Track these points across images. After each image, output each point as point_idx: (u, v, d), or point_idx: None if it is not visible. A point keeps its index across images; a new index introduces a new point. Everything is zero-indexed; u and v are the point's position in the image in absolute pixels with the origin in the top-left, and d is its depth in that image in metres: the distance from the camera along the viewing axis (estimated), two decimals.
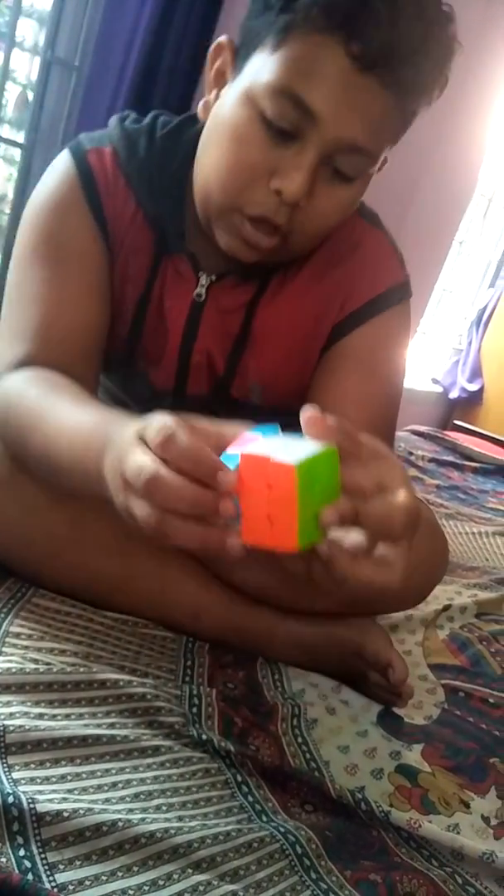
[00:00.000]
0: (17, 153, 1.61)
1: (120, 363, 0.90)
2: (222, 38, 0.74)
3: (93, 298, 0.80)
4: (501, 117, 2.73)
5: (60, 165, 0.81)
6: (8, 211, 1.72)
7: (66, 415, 0.65)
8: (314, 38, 0.63)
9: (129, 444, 0.49)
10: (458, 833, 0.67)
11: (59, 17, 1.50)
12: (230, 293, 0.82)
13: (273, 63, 0.66)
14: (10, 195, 1.71)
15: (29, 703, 0.61)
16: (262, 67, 0.67)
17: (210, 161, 0.73)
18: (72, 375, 0.75)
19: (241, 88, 0.69)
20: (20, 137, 1.58)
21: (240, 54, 0.71)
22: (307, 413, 0.47)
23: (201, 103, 0.76)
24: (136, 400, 0.93)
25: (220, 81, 0.74)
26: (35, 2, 1.52)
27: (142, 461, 0.46)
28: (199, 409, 0.84)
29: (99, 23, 1.45)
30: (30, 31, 1.56)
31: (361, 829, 0.63)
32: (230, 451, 0.47)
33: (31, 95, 1.64)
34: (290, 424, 0.80)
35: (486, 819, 0.71)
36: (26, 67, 1.59)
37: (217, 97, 0.74)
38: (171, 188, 0.79)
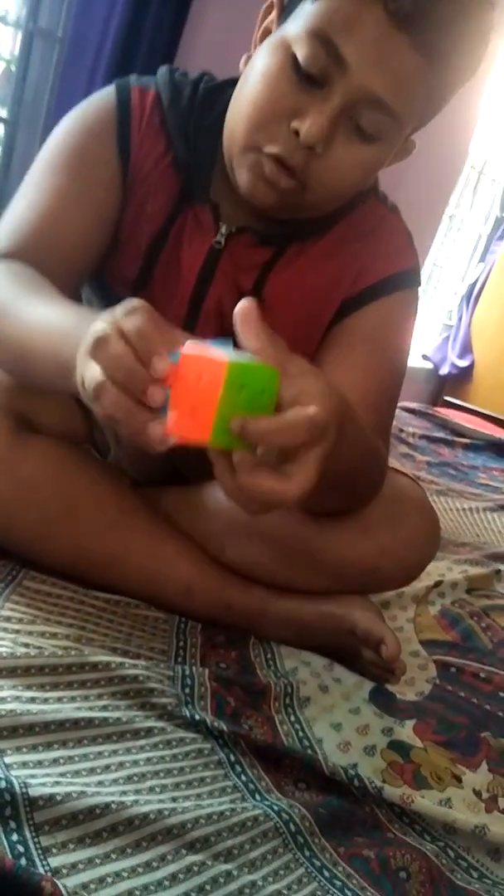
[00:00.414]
0: None
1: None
2: None
3: (92, 219, 0.81)
4: (492, 89, 2.70)
5: (103, 93, 0.83)
6: None
7: (44, 309, 0.67)
8: None
9: (98, 319, 0.52)
10: (450, 807, 0.68)
11: None
12: (247, 251, 0.83)
13: (313, 9, 0.68)
14: None
15: (20, 688, 0.61)
16: (302, 15, 0.69)
17: (239, 101, 0.75)
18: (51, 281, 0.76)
19: (278, 36, 0.72)
20: (3, 113, 1.54)
21: (287, 10, 0.73)
22: (242, 306, 0.49)
23: (244, 57, 0.78)
24: None
25: (264, 39, 0.76)
26: None
27: (100, 327, 0.50)
28: None
29: None
30: (13, 5, 1.52)
31: (354, 805, 0.64)
32: (180, 349, 0.49)
33: (12, 69, 1.61)
34: None
35: (477, 793, 0.71)
36: (10, 43, 1.56)
37: (257, 51, 0.76)
38: (205, 137, 0.81)
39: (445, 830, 0.65)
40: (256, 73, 0.72)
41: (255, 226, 0.82)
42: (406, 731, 0.77)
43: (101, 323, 0.51)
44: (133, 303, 0.52)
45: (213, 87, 0.83)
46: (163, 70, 0.84)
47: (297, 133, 0.69)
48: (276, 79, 0.70)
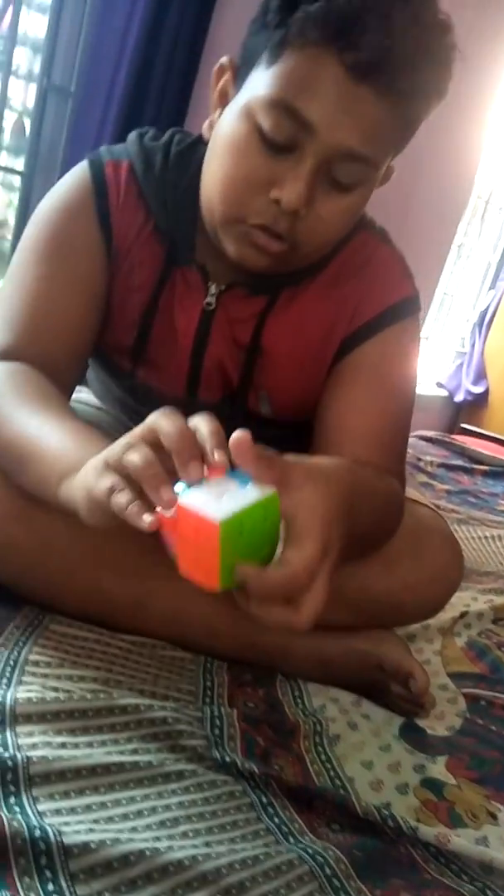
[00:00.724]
0: (15, 180, 1.62)
1: (124, 376, 0.90)
2: (224, 59, 0.76)
3: (85, 301, 0.82)
4: (496, 118, 2.74)
5: (77, 171, 0.84)
6: (9, 237, 1.73)
7: (40, 423, 0.69)
8: (308, 50, 0.65)
9: (90, 474, 0.56)
10: (486, 846, 0.67)
11: (54, 45, 1.52)
12: (240, 304, 0.83)
13: (269, 77, 0.67)
14: (11, 221, 1.72)
15: (51, 733, 0.61)
16: (260, 82, 0.68)
17: (212, 174, 0.75)
18: (53, 372, 0.77)
19: (240, 104, 0.71)
20: (17, 164, 1.59)
21: (240, 73, 0.73)
22: (235, 438, 0.51)
23: (206, 123, 0.78)
24: (149, 408, 0.93)
25: (224, 101, 0.76)
26: (29, 29, 1.54)
27: (128, 440, 0.54)
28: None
29: (87, 48, 1.47)
30: (24, 59, 1.57)
31: (389, 846, 0.63)
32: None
33: (27, 122, 1.66)
34: (300, 437, 0.81)
35: None
36: (21, 94, 1.61)
37: (220, 116, 0.75)
38: (182, 202, 0.81)
39: (483, 870, 0.64)
40: (225, 145, 0.72)
41: (244, 280, 0.82)
42: (438, 768, 0.75)
43: (125, 440, 0.54)
44: (133, 435, 0.54)
45: (184, 148, 0.83)
46: (132, 137, 0.84)
47: (277, 202, 0.69)
48: (246, 152, 0.70)
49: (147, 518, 0.50)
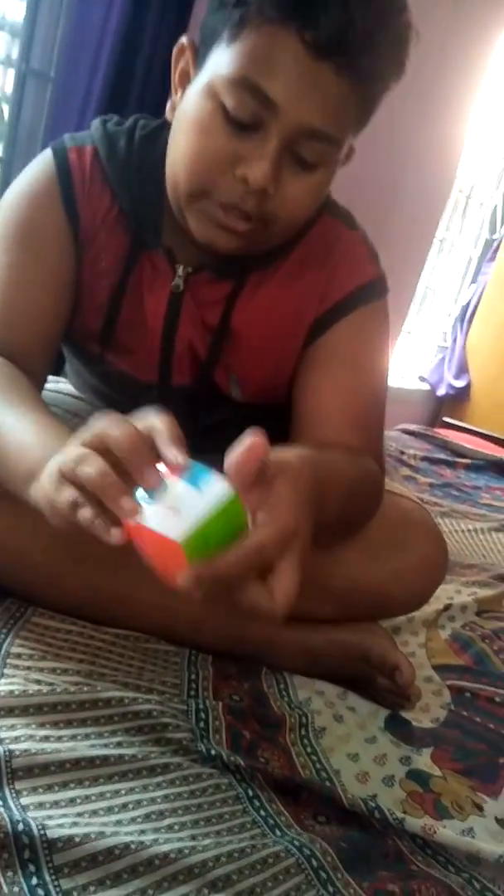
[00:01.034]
0: None
1: (95, 361, 0.89)
2: (183, 39, 0.75)
3: (54, 289, 0.81)
4: (478, 114, 2.75)
5: (41, 160, 0.83)
6: None
7: (11, 418, 0.68)
8: (268, 28, 0.64)
9: (48, 482, 0.55)
10: (472, 837, 0.67)
11: (33, 29, 1.49)
12: (208, 288, 0.83)
13: (230, 55, 0.67)
14: None
15: (34, 726, 0.60)
16: (221, 61, 0.68)
17: (177, 152, 0.74)
18: (23, 359, 0.78)
19: (202, 83, 0.70)
20: None
21: (200, 52, 0.72)
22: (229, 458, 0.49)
23: (169, 104, 0.77)
24: (124, 396, 0.91)
25: (185, 81, 0.75)
26: (6, 13, 1.51)
27: (79, 450, 0.53)
28: (185, 403, 0.85)
29: (66, 32, 1.44)
30: (2, 44, 1.54)
31: (376, 838, 0.63)
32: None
33: (5, 108, 1.63)
34: (269, 419, 0.81)
35: (500, 821, 0.70)
36: (2, 80, 1.58)
37: (182, 97, 0.74)
38: (146, 186, 0.80)
39: (469, 861, 0.64)
40: (189, 124, 0.71)
41: (211, 263, 0.81)
42: (424, 760, 0.75)
43: (76, 448, 0.53)
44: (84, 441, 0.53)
45: (148, 133, 0.82)
46: (96, 123, 0.84)
47: (244, 180, 0.69)
48: (210, 130, 0.69)
49: (115, 533, 0.50)
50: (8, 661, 0.68)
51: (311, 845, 0.57)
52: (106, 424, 0.53)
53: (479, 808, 0.71)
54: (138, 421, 0.53)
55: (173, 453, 0.50)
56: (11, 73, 1.55)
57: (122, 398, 0.91)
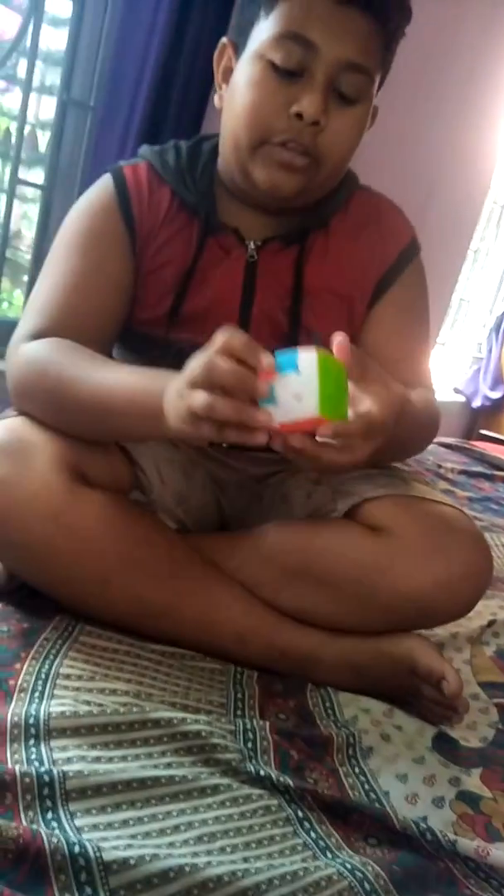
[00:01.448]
0: (28, 191, 1.63)
1: (163, 345, 0.92)
2: (223, 39, 0.88)
3: (110, 291, 0.89)
4: None
5: (100, 180, 0.93)
6: (23, 248, 1.75)
7: (111, 372, 0.77)
8: None
9: (192, 362, 0.64)
10: None
11: (74, 58, 1.52)
12: (276, 257, 0.91)
13: (271, 21, 0.80)
14: (24, 232, 1.73)
15: (85, 747, 0.61)
16: (263, 30, 0.81)
17: (234, 115, 0.84)
18: None
19: (248, 54, 0.83)
20: (28, 175, 1.60)
21: (239, 43, 0.85)
22: (337, 338, 0.65)
23: (216, 96, 0.89)
24: None
25: (228, 76, 0.87)
26: (48, 43, 1.55)
27: (204, 358, 0.63)
28: None
29: (108, 62, 1.47)
30: (38, 71, 1.58)
31: (428, 861, 0.62)
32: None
33: (40, 135, 1.67)
34: None
35: None
36: (34, 107, 1.61)
37: (228, 86, 0.86)
38: (201, 181, 0.90)
39: None
40: (243, 87, 0.83)
41: (276, 233, 0.91)
42: (473, 781, 0.74)
43: (201, 358, 0.63)
44: (219, 338, 0.63)
45: (192, 143, 0.94)
46: (144, 147, 0.95)
47: (298, 116, 0.80)
48: (263, 83, 0.81)
49: (259, 436, 0.62)
50: (58, 681, 0.69)
51: (364, 868, 0.57)
52: (228, 336, 0.63)
53: None
54: (221, 341, 0.63)
55: (264, 361, 0.62)
56: (45, 100, 1.59)
57: None
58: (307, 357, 0.60)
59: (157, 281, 0.91)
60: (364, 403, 0.66)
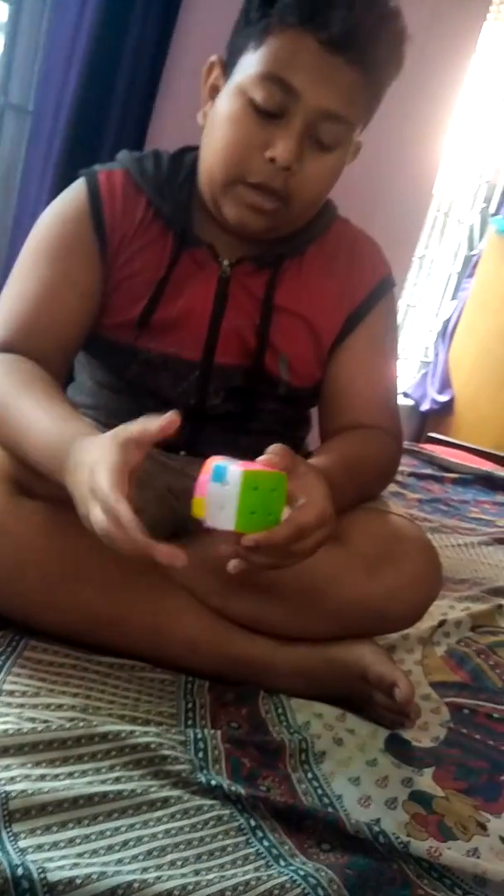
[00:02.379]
0: None
1: (131, 353, 0.92)
2: (213, 57, 0.88)
3: (76, 301, 0.88)
4: (453, 133, 2.79)
5: (74, 184, 0.92)
6: None
7: (34, 416, 0.76)
8: (289, 32, 0.78)
9: (87, 498, 0.64)
10: (478, 858, 0.66)
11: (11, 63, 1.50)
12: (249, 278, 0.92)
13: (258, 57, 0.79)
14: None
15: (29, 765, 0.59)
16: (249, 64, 0.80)
17: (212, 147, 0.85)
18: (43, 366, 0.83)
19: (232, 86, 0.82)
20: None
21: (229, 64, 0.84)
22: (272, 449, 0.66)
23: (200, 113, 0.89)
24: (164, 381, 0.94)
25: (214, 93, 0.87)
26: None
27: (100, 522, 0.63)
28: (225, 387, 0.93)
29: (41, 68, 1.45)
30: None
31: (381, 863, 0.62)
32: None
33: None
34: (302, 414, 1.04)
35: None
36: None
37: (212, 106, 0.86)
38: (181, 193, 0.90)
39: (476, 882, 0.63)
40: (223, 120, 0.82)
41: (250, 254, 0.91)
42: (426, 781, 0.75)
43: (98, 515, 0.63)
44: (105, 490, 0.62)
45: (174, 154, 0.93)
46: (123, 153, 0.94)
47: (272, 160, 0.80)
48: (242, 121, 0.81)
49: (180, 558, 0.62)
50: (1, 699, 0.67)
51: (317, 874, 0.56)
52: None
53: (483, 827, 0.70)
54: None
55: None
56: None
57: (160, 385, 0.94)
58: (234, 472, 0.62)
59: (129, 288, 0.91)
60: (302, 490, 0.67)
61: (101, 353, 0.96)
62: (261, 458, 0.65)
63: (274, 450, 0.65)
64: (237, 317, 0.91)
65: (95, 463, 0.64)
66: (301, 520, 0.65)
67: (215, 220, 0.90)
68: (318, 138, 0.81)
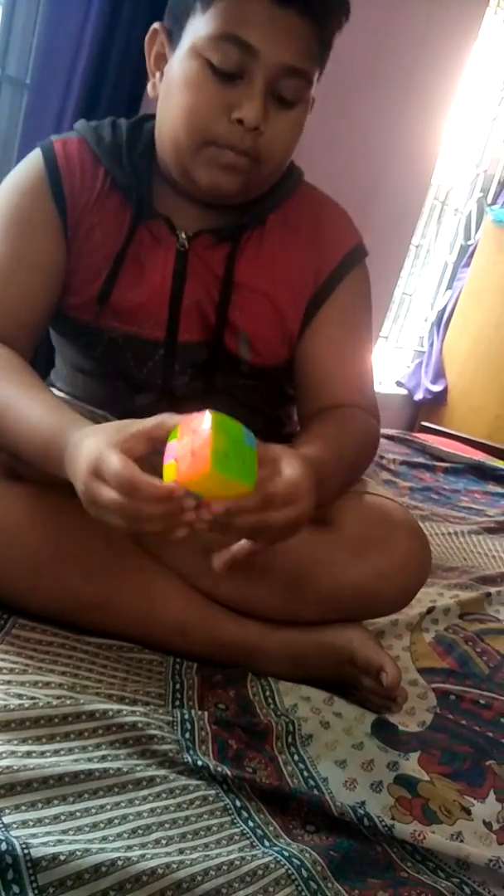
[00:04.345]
0: None
1: (95, 333, 0.90)
2: (155, 25, 0.84)
3: (39, 277, 0.86)
4: (452, 121, 2.78)
5: (30, 156, 0.89)
6: None
7: (22, 412, 0.74)
8: None
9: (92, 480, 0.62)
10: (461, 841, 0.66)
11: (9, 35, 1.47)
12: (208, 251, 0.88)
13: (208, 19, 0.77)
14: None
15: (16, 742, 0.59)
16: (199, 27, 0.77)
17: (172, 114, 0.81)
18: (8, 346, 0.82)
19: (184, 49, 0.79)
20: None
21: (174, 31, 0.81)
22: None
23: (149, 85, 0.86)
24: (129, 362, 0.92)
25: (160, 63, 0.84)
26: None
27: (113, 500, 0.60)
28: (191, 364, 0.90)
29: (39, 39, 1.43)
30: None
31: (365, 845, 0.62)
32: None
33: None
34: (277, 389, 0.99)
35: (487, 824, 0.70)
36: None
37: (162, 77, 0.83)
38: (138, 163, 0.87)
39: (459, 866, 0.63)
40: (180, 85, 0.80)
41: (209, 227, 0.88)
42: (411, 765, 0.75)
43: (105, 493, 0.61)
44: (113, 466, 0.60)
45: (133, 122, 0.90)
46: (80, 122, 0.91)
47: (239, 122, 0.78)
48: (201, 85, 0.78)
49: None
50: None
51: (301, 855, 0.56)
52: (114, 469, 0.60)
53: (467, 811, 0.70)
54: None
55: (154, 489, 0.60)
56: None
57: (127, 366, 0.92)
58: (201, 416, 0.60)
59: (87, 265, 0.88)
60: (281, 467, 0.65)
61: (69, 334, 0.94)
62: None
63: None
64: (197, 292, 0.89)
65: (101, 451, 0.62)
66: (270, 488, 0.63)
67: (176, 190, 0.87)
68: (280, 95, 0.79)
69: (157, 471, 0.61)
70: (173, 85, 0.80)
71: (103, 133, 0.88)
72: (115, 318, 0.89)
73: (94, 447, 0.62)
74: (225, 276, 0.88)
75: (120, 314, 0.89)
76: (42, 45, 1.42)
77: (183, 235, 0.87)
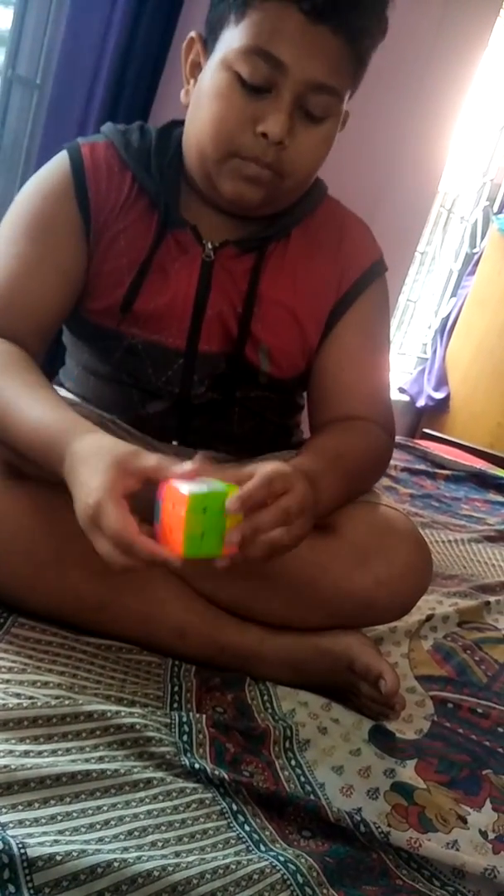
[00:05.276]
0: None
1: (116, 338, 0.90)
2: (192, 33, 0.85)
3: (57, 280, 0.86)
4: (459, 130, 2.78)
5: (56, 158, 0.89)
6: None
7: (24, 410, 0.74)
8: (270, 3, 0.75)
9: (91, 528, 0.64)
10: (457, 850, 0.66)
11: (20, 36, 1.48)
12: (233, 262, 0.89)
13: (240, 31, 0.77)
14: None
15: (13, 741, 0.59)
16: (231, 39, 0.78)
17: (199, 124, 0.82)
18: (20, 346, 0.82)
19: (216, 60, 0.80)
20: None
21: (209, 41, 0.82)
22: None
23: (183, 91, 0.86)
24: (147, 369, 0.92)
25: (195, 71, 0.84)
26: None
27: (105, 551, 0.63)
28: (210, 375, 0.90)
29: (61, 41, 1.44)
30: None
31: (361, 852, 0.62)
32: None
33: None
34: (290, 400, 1.01)
35: (483, 833, 0.70)
36: None
37: (195, 84, 0.84)
38: (167, 170, 0.87)
39: (454, 875, 0.63)
40: (209, 96, 0.80)
41: (235, 238, 0.88)
42: (408, 772, 0.75)
43: (102, 545, 0.64)
44: (113, 522, 0.62)
45: (161, 128, 0.90)
46: (108, 125, 0.91)
47: (264, 135, 0.78)
48: (229, 97, 0.79)
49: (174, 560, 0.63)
50: None
51: (297, 860, 0.56)
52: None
53: (464, 820, 0.70)
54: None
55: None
56: None
57: (145, 373, 0.92)
58: (180, 495, 0.61)
59: (110, 270, 0.88)
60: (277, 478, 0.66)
61: (86, 338, 0.94)
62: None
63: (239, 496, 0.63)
64: (220, 303, 0.89)
65: (100, 500, 0.62)
66: (249, 488, 0.63)
67: (203, 199, 0.88)
68: (307, 110, 0.79)
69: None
70: (203, 94, 0.81)
71: (132, 138, 0.88)
72: (136, 325, 0.89)
73: (95, 486, 0.63)
74: (249, 288, 0.89)
75: (142, 321, 0.89)
76: (63, 47, 1.43)
77: (209, 245, 0.87)
